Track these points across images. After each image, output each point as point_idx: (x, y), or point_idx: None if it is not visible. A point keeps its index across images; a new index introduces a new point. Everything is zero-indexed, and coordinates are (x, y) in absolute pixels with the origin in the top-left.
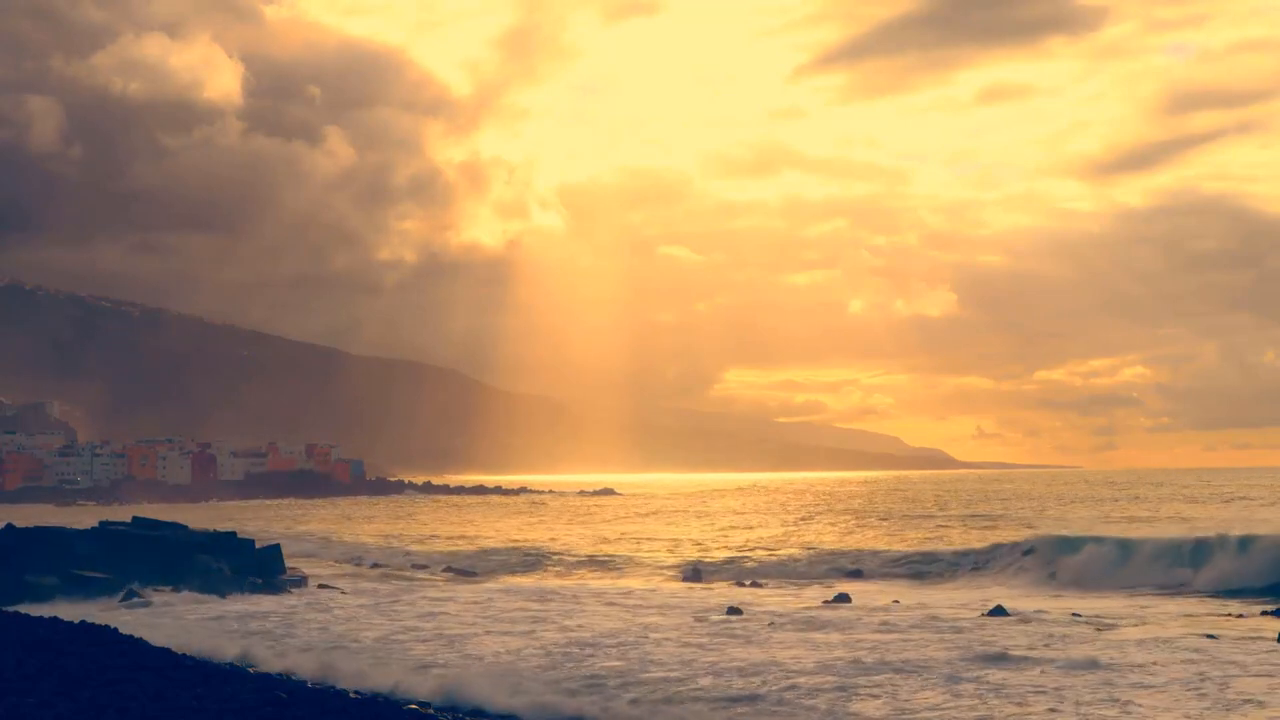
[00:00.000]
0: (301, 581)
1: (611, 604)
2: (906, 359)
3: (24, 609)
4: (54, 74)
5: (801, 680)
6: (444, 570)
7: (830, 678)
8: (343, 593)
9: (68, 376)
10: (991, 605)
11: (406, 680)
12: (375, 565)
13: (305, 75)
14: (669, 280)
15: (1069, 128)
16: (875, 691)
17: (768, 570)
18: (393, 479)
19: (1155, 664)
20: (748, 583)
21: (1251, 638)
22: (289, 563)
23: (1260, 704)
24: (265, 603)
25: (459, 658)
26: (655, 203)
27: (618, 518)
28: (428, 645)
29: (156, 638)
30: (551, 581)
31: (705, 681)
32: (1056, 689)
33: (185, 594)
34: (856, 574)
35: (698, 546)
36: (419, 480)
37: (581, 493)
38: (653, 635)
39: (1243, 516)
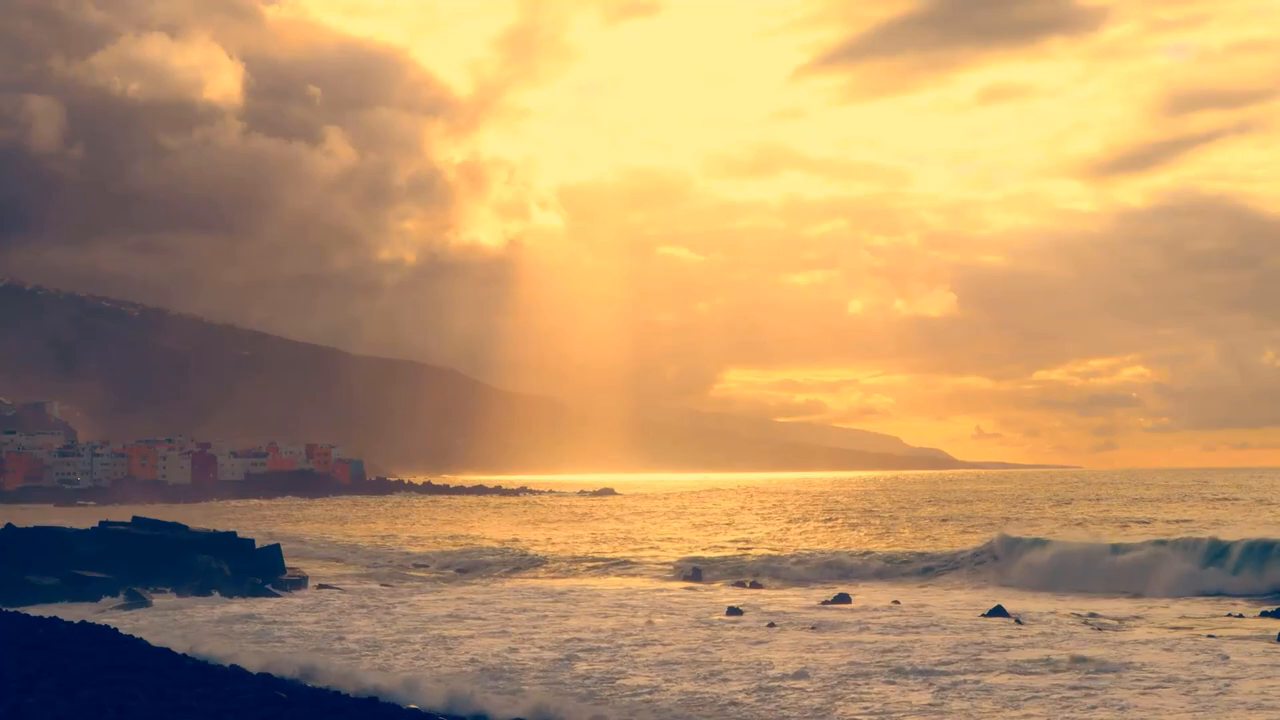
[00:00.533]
0: (301, 582)
1: (610, 604)
2: (906, 359)
3: (24, 609)
4: (54, 74)
5: (798, 681)
6: (443, 570)
7: (826, 679)
8: (342, 592)
9: (68, 376)
10: (991, 605)
11: (401, 681)
12: (374, 565)
13: (305, 75)
14: (669, 280)
15: (1069, 128)
16: (871, 692)
17: (767, 570)
18: (392, 479)
19: (1155, 664)
20: (747, 583)
21: (1251, 637)
22: (289, 563)
23: (1260, 704)
24: (265, 603)
25: (452, 658)
26: (655, 203)
27: (617, 518)
28: (423, 645)
29: (156, 638)
30: (550, 582)
31: (702, 683)
32: (1056, 689)
33: (185, 594)
34: (856, 574)
35: (697, 547)
36: (419, 480)
37: (581, 493)
38: (651, 636)
39: (1239, 517)
